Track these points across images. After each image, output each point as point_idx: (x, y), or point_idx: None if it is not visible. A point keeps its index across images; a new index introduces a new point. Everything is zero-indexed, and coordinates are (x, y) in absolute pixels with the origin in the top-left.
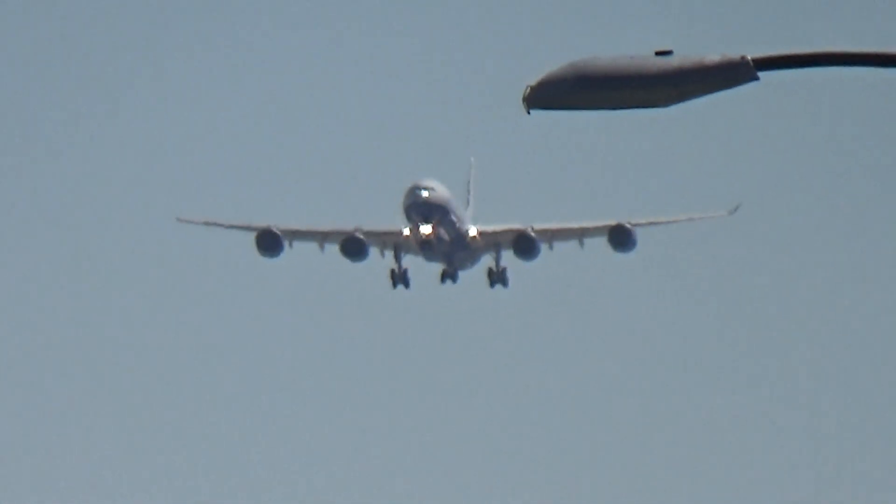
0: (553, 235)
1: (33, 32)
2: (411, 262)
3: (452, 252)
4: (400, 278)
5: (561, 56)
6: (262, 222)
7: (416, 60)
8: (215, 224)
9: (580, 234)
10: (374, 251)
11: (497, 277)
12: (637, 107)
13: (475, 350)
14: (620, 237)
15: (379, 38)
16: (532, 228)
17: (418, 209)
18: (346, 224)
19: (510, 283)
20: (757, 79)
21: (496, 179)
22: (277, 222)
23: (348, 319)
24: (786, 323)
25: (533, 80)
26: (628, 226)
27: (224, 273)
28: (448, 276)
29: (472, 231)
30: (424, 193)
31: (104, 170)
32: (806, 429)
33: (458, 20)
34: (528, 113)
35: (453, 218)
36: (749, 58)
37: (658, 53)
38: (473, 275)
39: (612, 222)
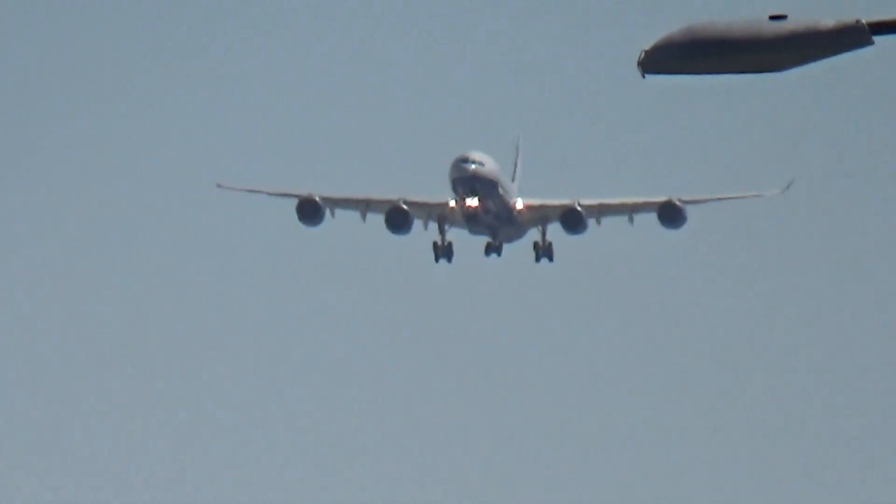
0: (601, 210)
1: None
2: (455, 234)
3: (498, 226)
4: (443, 251)
5: (601, 27)
6: (304, 190)
7: (467, 29)
8: (256, 191)
9: (629, 210)
10: (417, 223)
11: (543, 252)
12: (751, 71)
13: (519, 326)
14: (670, 214)
15: (427, 9)
16: (580, 203)
17: (465, 182)
18: (390, 194)
19: (556, 258)
20: (872, 43)
21: (544, 151)
22: (319, 190)
23: (390, 293)
24: (838, 308)
25: (648, 45)
26: (678, 203)
27: (264, 242)
28: (493, 249)
29: (519, 204)
30: (472, 167)
31: (144, 135)
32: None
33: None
34: (643, 77)
35: (500, 191)
36: (864, 22)
37: (772, 18)
38: (519, 249)
39: (663, 198)
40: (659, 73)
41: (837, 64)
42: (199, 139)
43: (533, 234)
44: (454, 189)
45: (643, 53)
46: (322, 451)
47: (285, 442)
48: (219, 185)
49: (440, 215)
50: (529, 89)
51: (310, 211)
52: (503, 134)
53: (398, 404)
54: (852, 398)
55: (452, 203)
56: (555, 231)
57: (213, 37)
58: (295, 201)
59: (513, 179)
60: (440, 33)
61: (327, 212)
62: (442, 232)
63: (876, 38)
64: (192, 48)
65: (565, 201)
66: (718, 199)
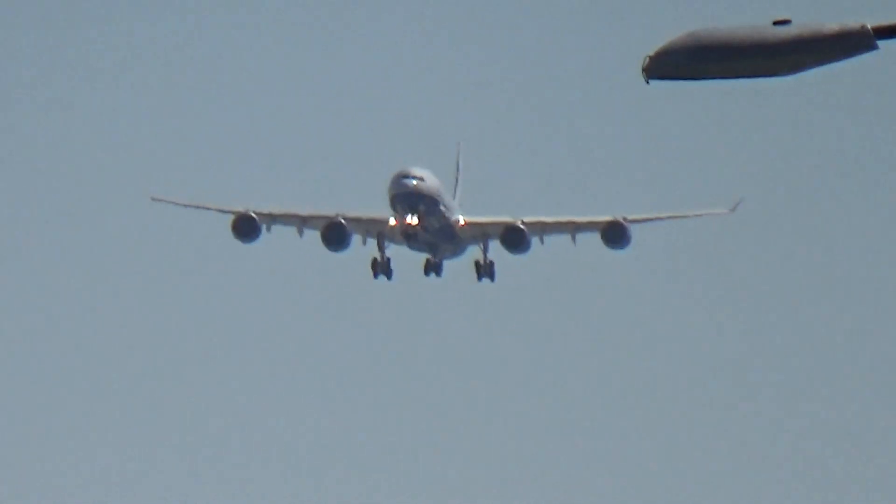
0: (544, 228)
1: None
2: (394, 250)
3: (439, 242)
4: (382, 268)
5: (555, 39)
6: (240, 205)
7: (404, 44)
8: (191, 205)
9: (573, 229)
10: (355, 239)
11: (484, 271)
12: (755, 76)
13: (458, 346)
14: (615, 233)
15: (367, 22)
16: (522, 221)
17: (405, 199)
18: (328, 209)
19: (497, 277)
20: (876, 48)
21: (485, 167)
22: (256, 206)
23: (327, 311)
24: (783, 327)
25: (651, 51)
26: (624, 222)
27: (198, 257)
28: (432, 267)
29: (460, 220)
30: (413, 182)
31: (81, 147)
32: (800, 428)
33: (444, 5)
34: (647, 83)
35: (441, 208)
36: (869, 26)
37: (776, 23)
38: (459, 267)
39: (607, 217)
40: (662, 78)
41: (840, 68)
42: (136, 150)
43: (474, 253)
44: (393, 206)
45: (647, 59)
46: (259, 470)
47: (221, 460)
48: (153, 198)
49: (379, 232)
50: (471, 103)
51: (246, 227)
52: (443, 147)
53: (333, 424)
54: (802, 417)
55: (392, 220)
56: (496, 250)
57: (154, 48)
58: (230, 217)
59: (454, 194)
60: (378, 47)
61: (263, 227)
62: (381, 248)
63: (880, 43)
64: (132, 60)
65: (507, 219)
66: (665, 217)
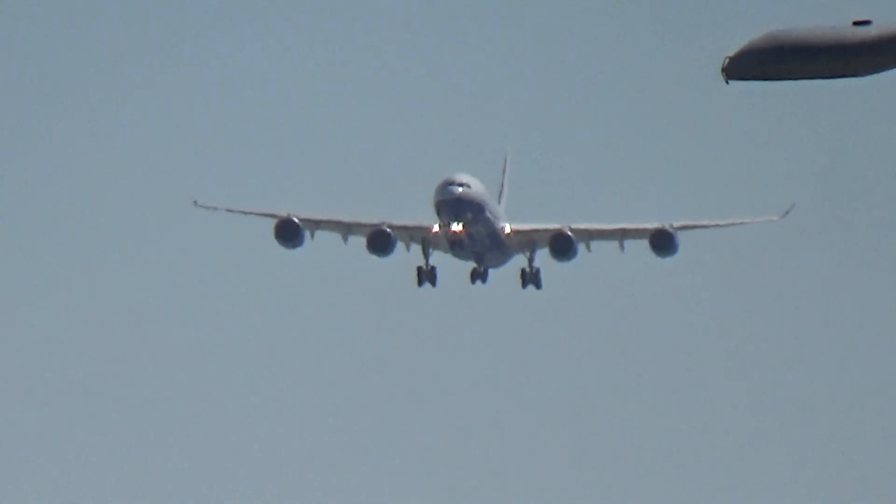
0: (591, 236)
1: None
2: (439, 259)
3: (484, 251)
4: (427, 276)
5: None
6: (283, 210)
7: (453, 50)
8: (234, 210)
9: (620, 236)
10: (400, 246)
11: (530, 278)
12: (834, 77)
13: (503, 355)
14: (663, 241)
15: (416, 28)
16: (570, 228)
17: (450, 206)
18: (373, 217)
19: (544, 284)
20: None
21: (532, 174)
22: (299, 211)
23: (370, 318)
24: (835, 338)
25: (731, 52)
26: (671, 229)
27: (241, 263)
28: (478, 275)
29: (506, 228)
30: (458, 190)
31: (126, 153)
32: (849, 436)
33: (494, 13)
34: (727, 83)
35: (487, 215)
36: None
37: (856, 23)
38: (505, 275)
39: (655, 225)
40: (742, 79)
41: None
42: (179, 156)
43: (519, 260)
44: (439, 213)
45: (727, 60)
46: (298, 475)
47: (262, 461)
48: (196, 204)
49: (424, 239)
50: (518, 110)
51: (289, 232)
52: (490, 155)
53: (378, 431)
54: (850, 426)
55: (436, 227)
56: (543, 257)
57: (197, 55)
58: (274, 222)
59: (499, 200)
60: (426, 54)
61: (307, 234)
62: (426, 255)
63: None
64: (175, 67)
65: (555, 226)
66: (713, 225)
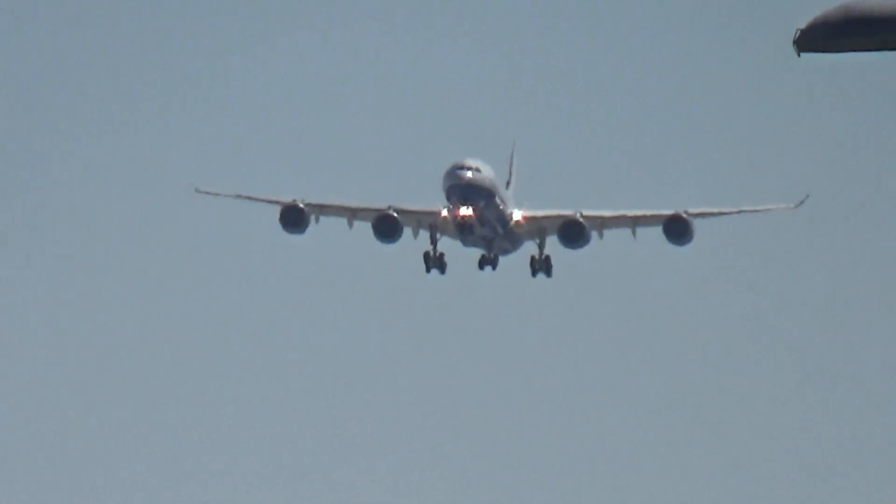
0: (603, 223)
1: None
2: (447, 245)
3: (493, 237)
4: (435, 262)
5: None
6: (288, 196)
7: (459, 36)
8: (237, 196)
9: (633, 223)
10: (407, 232)
11: (540, 266)
12: None
13: (512, 345)
14: (677, 228)
15: (423, 15)
16: (581, 214)
17: (460, 190)
18: (379, 201)
19: (554, 272)
20: None
21: (542, 159)
22: (304, 196)
23: (377, 306)
24: (852, 328)
25: (803, 24)
26: (686, 216)
27: (245, 250)
28: (487, 262)
29: (516, 215)
30: (468, 174)
31: (126, 140)
32: (863, 428)
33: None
34: (799, 56)
35: (497, 201)
36: None
37: None
38: (514, 262)
39: (669, 212)
40: (814, 51)
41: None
42: (180, 141)
43: (530, 248)
44: (448, 198)
45: (798, 32)
46: (306, 464)
47: (269, 450)
48: (198, 190)
49: (431, 224)
50: (526, 94)
51: (294, 217)
52: (498, 140)
53: (384, 419)
54: (862, 415)
55: (445, 212)
56: (553, 244)
57: (200, 40)
58: (278, 208)
59: (507, 186)
60: (433, 35)
61: (312, 219)
62: (433, 242)
63: None
64: (178, 52)
65: (565, 212)
66: (729, 212)
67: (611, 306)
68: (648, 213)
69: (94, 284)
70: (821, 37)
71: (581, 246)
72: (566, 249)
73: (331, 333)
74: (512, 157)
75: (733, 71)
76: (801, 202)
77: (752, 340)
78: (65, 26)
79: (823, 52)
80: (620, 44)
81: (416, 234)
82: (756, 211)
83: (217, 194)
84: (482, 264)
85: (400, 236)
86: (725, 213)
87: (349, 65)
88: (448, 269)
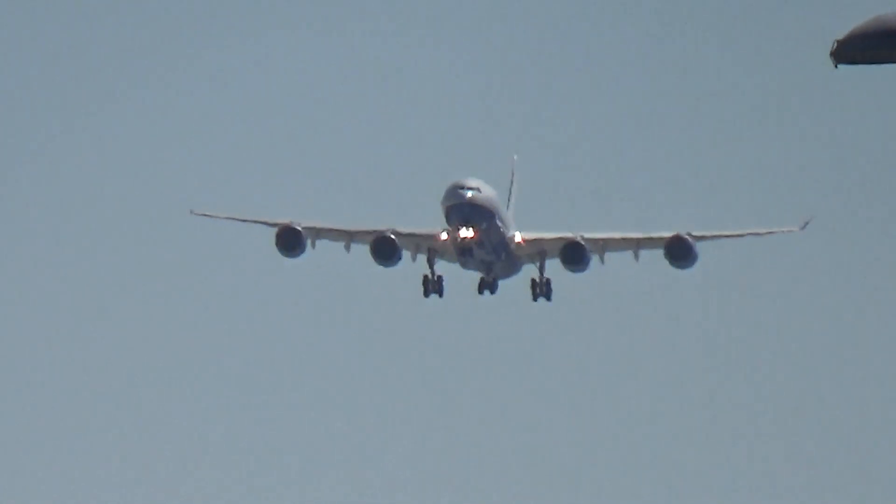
0: (605, 245)
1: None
2: (445, 268)
3: (493, 260)
4: (434, 286)
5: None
6: (284, 218)
7: (457, 55)
8: (232, 218)
9: (635, 245)
10: (405, 256)
11: (541, 289)
12: None
13: (512, 370)
14: (680, 250)
15: (421, 33)
16: (582, 236)
17: (460, 211)
18: (377, 224)
19: (554, 296)
20: None
21: (544, 181)
22: (300, 219)
23: (375, 330)
24: (857, 352)
25: (840, 36)
26: (689, 237)
27: (240, 273)
28: (486, 286)
29: (517, 237)
30: (468, 194)
31: (120, 160)
32: (871, 451)
33: (498, 18)
34: (836, 67)
35: (498, 222)
36: None
37: None
38: (514, 286)
39: (672, 233)
40: (851, 63)
41: None
42: (175, 162)
43: (530, 271)
44: (448, 219)
45: (835, 44)
46: (303, 488)
47: (264, 476)
48: (193, 212)
49: (430, 247)
50: (528, 116)
51: (291, 240)
52: (497, 160)
53: (383, 445)
54: (870, 438)
55: (444, 234)
56: (554, 267)
57: (197, 60)
58: (274, 230)
59: (507, 207)
60: (431, 56)
61: (308, 241)
62: (431, 265)
63: None
64: (174, 73)
65: (566, 234)
66: (732, 235)
67: (612, 331)
68: (651, 234)
69: (88, 307)
70: (858, 49)
71: (582, 269)
72: (567, 272)
73: (328, 359)
74: (512, 176)
75: (737, 93)
76: (806, 224)
77: (756, 366)
78: (55, 43)
79: (861, 63)
80: (623, 63)
81: (414, 257)
82: (760, 234)
83: (212, 216)
84: (481, 288)
85: (399, 259)
86: (729, 236)
87: (346, 85)
88: (447, 293)
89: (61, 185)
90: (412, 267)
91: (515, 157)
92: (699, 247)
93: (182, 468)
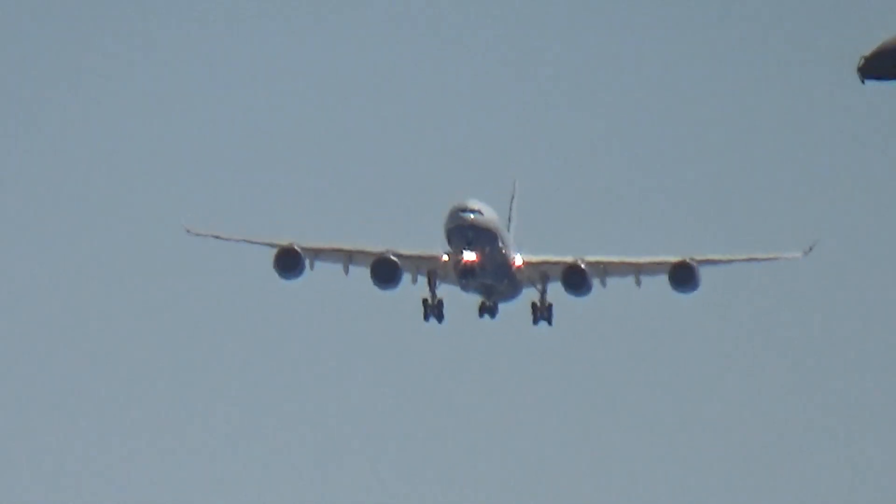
0: (607, 269)
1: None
2: (446, 292)
3: (494, 282)
4: (433, 310)
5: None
6: (282, 238)
7: (459, 76)
8: (228, 238)
9: (637, 270)
10: (405, 279)
11: (542, 314)
12: None
13: (512, 395)
14: (683, 275)
15: (423, 53)
16: (584, 260)
17: (463, 233)
18: (376, 245)
19: (556, 320)
20: None
21: (545, 204)
22: (299, 239)
23: (374, 354)
24: (862, 379)
25: (868, 51)
26: (692, 263)
27: (236, 295)
28: (487, 309)
29: (518, 260)
30: (470, 216)
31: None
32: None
33: (503, 39)
34: (863, 83)
35: (500, 244)
36: None
37: None
38: (514, 310)
39: (675, 258)
40: (878, 78)
41: None
42: (170, 180)
43: (531, 294)
44: (449, 241)
45: (862, 59)
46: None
47: (263, 497)
48: (188, 231)
49: (431, 269)
50: (530, 138)
51: (289, 261)
52: (498, 182)
53: (382, 469)
54: (874, 467)
55: (445, 256)
56: (555, 291)
57: (194, 78)
58: (272, 251)
59: (508, 229)
60: (434, 76)
61: (307, 262)
62: (432, 288)
63: None
64: (171, 89)
65: (568, 258)
66: (736, 260)
67: (614, 356)
68: (654, 259)
69: (81, 326)
70: (884, 64)
71: (584, 293)
72: (569, 296)
73: (326, 383)
74: (513, 199)
75: (739, 116)
76: (810, 250)
77: (759, 391)
78: (50, 56)
79: (888, 79)
80: (627, 85)
81: (414, 280)
82: (763, 259)
83: (208, 235)
84: (482, 312)
85: (399, 281)
86: (732, 261)
87: (347, 106)
88: (447, 317)
89: (55, 204)
90: (412, 290)
91: (516, 181)
92: (702, 271)
93: (180, 490)
